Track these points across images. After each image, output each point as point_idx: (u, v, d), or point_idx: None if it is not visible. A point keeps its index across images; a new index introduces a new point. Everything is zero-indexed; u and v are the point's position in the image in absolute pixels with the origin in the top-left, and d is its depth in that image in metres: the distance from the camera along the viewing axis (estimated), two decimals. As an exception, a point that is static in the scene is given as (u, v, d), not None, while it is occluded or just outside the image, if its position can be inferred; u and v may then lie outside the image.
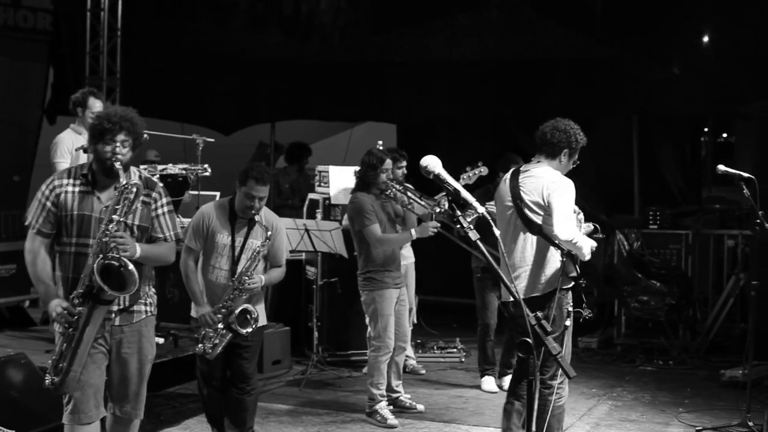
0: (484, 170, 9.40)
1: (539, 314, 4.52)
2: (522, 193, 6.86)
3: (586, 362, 10.97)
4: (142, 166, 9.66)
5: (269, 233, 7.17)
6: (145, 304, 5.91)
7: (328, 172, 10.93)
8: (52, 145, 8.79)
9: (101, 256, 5.43)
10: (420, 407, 9.03)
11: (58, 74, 13.84)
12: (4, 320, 10.56)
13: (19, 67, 13.30)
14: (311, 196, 11.47)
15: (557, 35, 13.58)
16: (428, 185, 7.81)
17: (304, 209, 11.52)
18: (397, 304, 8.67)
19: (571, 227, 6.72)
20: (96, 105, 8.61)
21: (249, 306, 7.11)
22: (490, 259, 4.55)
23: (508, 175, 7.12)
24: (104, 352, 5.73)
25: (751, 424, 8.19)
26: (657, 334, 11.36)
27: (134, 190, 5.58)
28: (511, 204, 6.92)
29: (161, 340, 8.88)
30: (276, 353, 10.45)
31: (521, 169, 7.06)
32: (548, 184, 6.78)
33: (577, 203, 6.93)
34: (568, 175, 6.98)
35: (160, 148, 12.36)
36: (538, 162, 7.00)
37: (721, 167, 8.35)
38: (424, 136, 14.97)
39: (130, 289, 5.53)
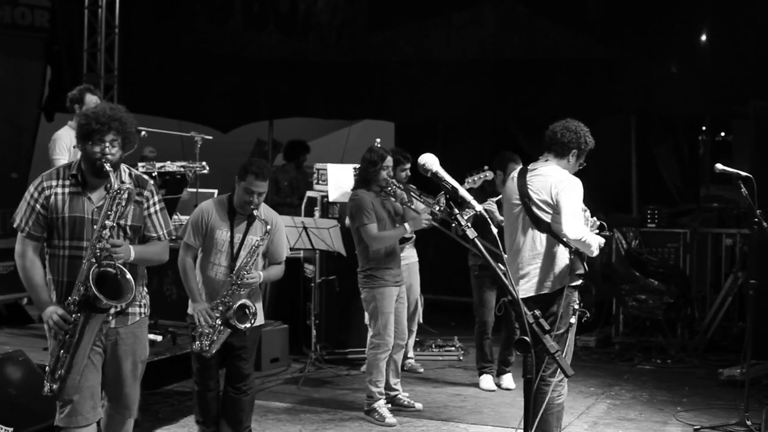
0: (489, 174, 9.40)
1: (537, 313, 4.50)
2: (530, 191, 6.93)
3: (584, 361, 10.96)
4: (139, 164, 9.66)
5: (268, 227, 7.14)
6: (140, 306, 5.86)
7: (326, 170, 10.92)
8: (51, 142, 8.78)
9: (96, 264, 5.38)
10: (418, 405, 9.03)
11: (56, 71, 13.85)
12: (2, 317, 10.55)
13: (16, 65, 13.31)
14: (309, 193, 11.46)
15: (555, 35, 13.60)
16: (428, 185, 7.85)
17: (302, 207, 11.51)
18: (397, 302, 8.66)
19: (580, 225, 6.79)
20: (93, 102, 8.57)
21: (247, 301, 7.08)
22: (488, 256, 4.55)
23: (515, 174, 7.19)
24: (100, 353, 5.70)
25: (749, 422, 8.19)
26: (655, 333, 11.37)
27: (126, 195, 5.55)
28: (518, 202, 6.99)
29: (159, 338, 8.87)
30: (274, 351, 10.44)
31: (529, 167, 7.12)
32: (556, 182, 6.85)
33: (584, 201, 6.98)
34: (577, 173, 7.06)
35: (158, 146, 12.36)
36: (546, 161, 7.06)
37: (719, 166, 8.34)
38: (422, 135, 15.00)
39: (126, 298, 5.50)
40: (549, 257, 6.89)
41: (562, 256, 6.88)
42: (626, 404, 9.38)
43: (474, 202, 4.75)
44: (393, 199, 8.65)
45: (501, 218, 8.34)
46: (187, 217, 7.69)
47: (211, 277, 7.23)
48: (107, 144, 5.52)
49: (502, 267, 4.57)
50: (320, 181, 11.06)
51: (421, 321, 10.50)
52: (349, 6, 15.07)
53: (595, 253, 6.85)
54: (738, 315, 11.58)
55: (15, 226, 5.69)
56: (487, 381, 9.83)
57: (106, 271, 5.41)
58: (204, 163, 9.60)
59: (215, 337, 7.08)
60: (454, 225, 4.70)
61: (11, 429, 6.92)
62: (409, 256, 9.83)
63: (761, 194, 8.30)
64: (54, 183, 5.63)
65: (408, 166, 9.36)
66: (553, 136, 7.02)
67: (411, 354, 10.52)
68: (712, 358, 11.08)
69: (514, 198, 7.04)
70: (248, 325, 7.08)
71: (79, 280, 5.45)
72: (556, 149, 7.02)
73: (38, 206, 5.60)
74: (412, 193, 8.78)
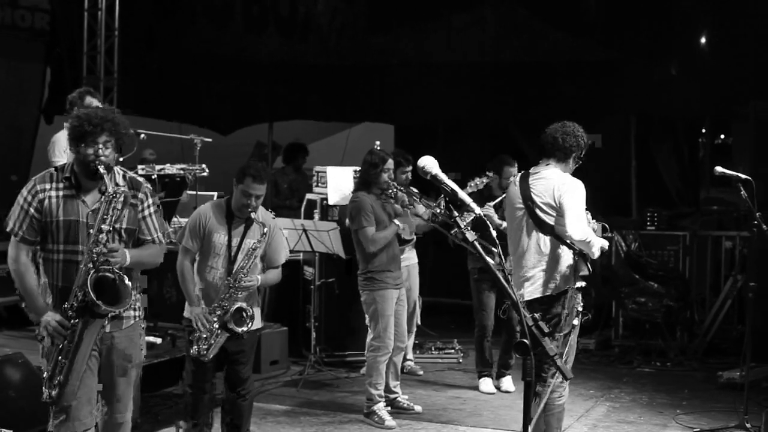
0: (493, 177, 9.43)
1: (537, 315, 4.50)
2: (533, 194, 6.98)
3: (583, 363, 10.95)
4: (139, 166, 9.67)
5: (265, 230, 7.10)
6: (134, 309, 5.80)
7: (325, 172, 10.91)
8: (50, 144, 8.78)
9: (94, 269, 5.34)
10: (418, 408, 9.02)
11: (56, 74, 13.86)
12: (2, 320, 10.54)
13: (16, 67, 13.32)
14: (309, 196, 11.45)
15: (554, 37, 13.61)
16: (428, 188, 7.86)
17: (302, 210, 11.50)
18: (397, 305, 8.65)
19: (584, 227, 6.86)
20: (92, 104, 8.56)
21: (244, 304, 7.04)
22: (488, 259, 4.55)
23: (517, 179, 7.25)
24: (96, 357, 5.64)
25: (748, 426, 8.18)
26: (655, 336, 11.36)
27: (122, 198, 5.50)
28: (522, 206, 7.04)
29: (159, 340, 8.87)
30: (273, 354, 10.44)
31: (530, 171, 7.16)
32: (559, 185, 6.91)
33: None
34: (577, 176, 7.10)
35: (157, 149, 12.37)
36: (548, 165, 7.10)
37: (719, 169, 8.34)
38: (421, 137, 14.98)
39: (124, 303, 5.47)
40: (553, 259, 6.94)
41: (566, 258, 6.94)
42: (626, 407, 9.37)
43: (474, 205, 4.75)
44: (393, 202, 8.65)
45: (499, 222, 8.35)
46: (186, 220, 7.67)
47: (210, 281, 7.20)
48: (100, 146, 5.46)
49: (502, 270, 4.57)
50: (320, 184, 11.06)
51: (419, 323, 10.50)
52: (349, 8, 15.08)
53: (597, 255, 6.91)
54: (737, 318, 11.57)
55: (8, 230, 5.61)
56: (486, 384, 9.83)
57: (104, 276, 5.38)
58: (204, 166, 9.61)
59: (213, 341, 7.03)
60: (454, 231, 4.70)
61: (11, 432, 6.92)
62: (409, 257, 9.83)
63: (761, 197, 8.30)
64: (47, 186, 5.58)
65: (409, 168, 9.36)
66: (554, 143, 7.04)
67: (410, 356, 10.52)
68: (712, 361, 11.07)
69: (517, 202, 7.09)
70: (245, 328, 7.05)
71: (76, 285, 5.40)
72: (559, 155, 7.06)
73: (32, 210, 5.54)
74: (413, 196, 8.78)
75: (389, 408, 8.76)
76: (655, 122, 13.97)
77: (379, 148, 8.79)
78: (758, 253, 9.15)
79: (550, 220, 6.92)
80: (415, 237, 9.73)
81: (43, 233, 5.57)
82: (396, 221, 8.54)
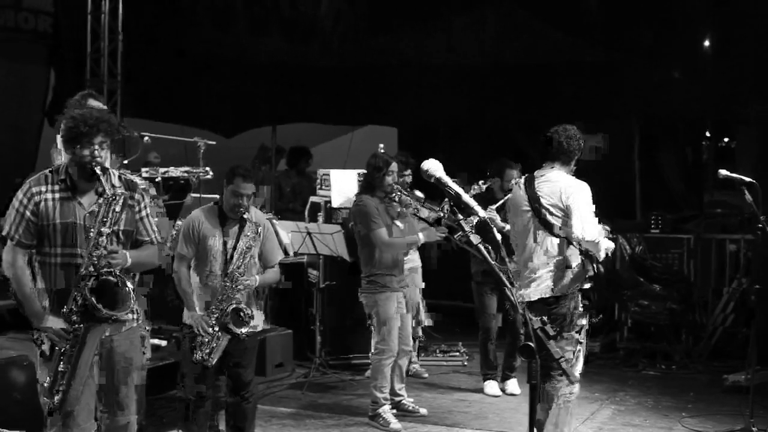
0: (495, 181, 9.45)
1: (544, 318, 4.50)
2: (540, 197, 7.07)
3: (588, 366, 10.85)
4: (143, 169, 9.66)
5: (259, 229, 7.07)
6: (133, 312, 5.70)
7: (329, 175, 10.91)
8: (53, 147, 8.76)
9: (95, 272, 5.30)
10: (423, 411, 9.02)
11: (59, 76, 13.84)
12: (6, 323, 10.53)
13: (20, 69, 13.30)
14: (313, 199, 11.43)
15: (556, 39, 13.61)
16: (429, 190, 7.84)
17: (306, 212, 11.48)
18: (401, 307, 8.64)
19: (593, 228, 6.95)
20: (95, 107, 8.53)
21: (240, 305, 7.00)
22: (492, 262, 4.54)
23: (521, 182, 7.33)
24: (97, 361, 5.59)
25: (754, 429, 8.17)
26: (660, 339, 11.34)
27: (121, 200, 5.44)
28: (528, 208, 7.13)
29: (164, 343, 8.88)
30: (278, 356, 10.43)
31: (535, 174, 7.24)
32: (565, 187, 7.02)
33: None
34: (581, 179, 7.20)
35: (161, 151, 12.35)
36: (552, 168, 7.19)
37: (723, 172, 8.34)
38: (424, 140, 14.97)
39: (125, 307, 5.42)
40: (560, 260, 7.04)
41: (573, 259, 7.03)
42: (631, 410, 9.36)
43: (478, 208, 4.77)
44: (396, 205, 8.63)
45: (502, 224, 8.36)
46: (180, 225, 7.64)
47: (209, 286, 7.15)
48: (96, 147, 5.39)
49: (506, 272, 4.57)
50: (323, 187, 11.05)
51: (425, 324, 10.47)
52: (351, 11, 15.08)
53: (603, 257, 7.03)
54: (742, 321, 11.53)
55: (3, 234, 5.53)
56: (491, 386, 9.82)
57: (105, 279, 5.33)
58: (207, 168, 9.61)
59: (214, 344, 6.99)
60: (458, 234, 4.70)
61: (16, 434, 6.92)
62: (412, 260, 9.81)
63: (765, 200, 8.28)
64: (43, 188, 5.49)
65: (408, 171, 9.36)
66: (559, 147, 7.14)
67: (415, 358, 10.50)
68: (717, 364, 11.03)
69: (524, 205, 7.17)
70: (245, 329, 7.01)
71: (75, 289, 5.35)
72: (563, 158, 7.18)
73: (28, 213, 5.46)
74: (417, 200, 8.76)
75: (394, 411, 8.75)
76: (659, 125, 13.96)
77: (382, 151, 8.78)
78: (762, 256, 9.13)
79: (558, 222, 7.01)
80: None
81: (40, 237, 5.49)
82: (420, 234, 8.52)
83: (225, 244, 7.12)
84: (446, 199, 8.19)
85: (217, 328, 6.97)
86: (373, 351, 8.67)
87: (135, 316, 5.77)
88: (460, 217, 4.76)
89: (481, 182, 9.33)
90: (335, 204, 10.77)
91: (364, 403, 9.05)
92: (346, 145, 15.99)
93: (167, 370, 8.67)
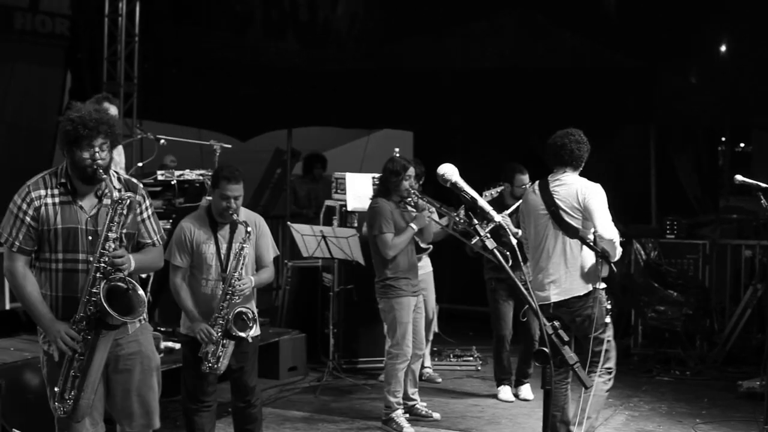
0: (507, 187, 9.45)
1: (556, 323, 4.50)
2: (557, 200, 7.25)
3: (602, 371, 10.90)
4: (158, 172, 9.68)
5: (249, 229, 6.95)
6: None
7: (344, 178, 10.91)
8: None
9: (105, 279, 5.19)
10: (436, 415, 9.01)
11: (76, 79, 13.90)
12: (21, 324, 10.56)
13: (36, 72, 13.35)
14: (328, 202, 11.42)
15: (574, 44, 13.58)
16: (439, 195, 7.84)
17: (321, 216, 11.47)
18: (415, 312, 8.64)
19: (613, 227, 7.11)
20: (110, 110, 8.50)
21: (243, 308, 6.94)
22: (507, 266, 4.54)
23: (536, 187, 7.48)
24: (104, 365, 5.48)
25: (769, 435, 8.16)
26: (674, 345, 11.31)
27: (128, 203, 5.32)
28: (545, 212, 7.30)
29: (178, 346, 8.87)
30: (292, 360, 10.45)
31: (549, 179, 7.40)
32: (581, 189, 7.21)
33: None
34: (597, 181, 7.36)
35: (177, 154, 12.39)
36: (564, 172, 7.35)
37: (739, 177, 8.33)
38: (440, 144, 14.96)
39: (138, 312, 5.32)
40: (579, 261, 7.23)
41: (590, 260, 7.21)
42: (645, 416, 9.33)
43: (494, 213, 4.77)
44: (412, 209, 8.61)
45: (516, 229, 8.37)
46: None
47: (206, 293, 7.07)
48: (96, 149, 5.25)
49: (522, 277, 4.58)
50: (339, 190, 11.05)
51: (436, 330, 10.48)
52: (368, 15, 15.08)
53: (618, 257, 7.16)
54: (757, 327, 11.50)
55: (2, 240, 5.36)
56: (505, 392, 9.80)
57: (116, 285, 5.24)
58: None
59: (220, 352, 6.92)
60: (474, 240, 4.70)
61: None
62: (424, 265, 9.80)
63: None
64: (43, 193, 5.34)
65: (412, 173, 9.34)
66: (571, 153, 7.31)
67: (428, 363, 10.50)
68: (731, 370, 10.99)
69: (540, 209, 7.34)
70: (251, 332, 6.95)
71: (84, 296, 5.24)
72: (575, 164, 7.35)
73: (28, 219, 5.31)
74: (433, 204, 8.74)
75: (408, 415, 8.75)
76: (675, 130, 13.93)
77: (398, 155, 8.78)
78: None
79: (576, 223, 7.19)
80: (431, 246, 9.72)
81: (39, 242, 5.36)
82: (411, 224, 8.50)
83: (218, 249, 7.05)
84: (462, 205, 8.20)
85: (221, 335, 6.88)
86: (386, 355, 8.67)
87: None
88: (476, 222, 4.75)
89: (492, 189, 9.32)
90: (350, 207, 10.77)
91: (377, 407, 9.05)
92: (361, 149, 16.01)
93: (180, 373, 8.67)
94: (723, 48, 12.99)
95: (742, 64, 12.62)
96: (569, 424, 7.47)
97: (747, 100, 12.45)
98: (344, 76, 14.99)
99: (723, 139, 14.75)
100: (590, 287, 7.20)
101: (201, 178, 9.73)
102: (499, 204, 9.36)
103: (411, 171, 8.53)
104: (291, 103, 15.22)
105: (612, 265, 7.17)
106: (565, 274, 7.23)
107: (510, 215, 9.16)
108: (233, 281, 6.91)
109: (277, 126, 15.80)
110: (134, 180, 5.71)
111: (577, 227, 7.18)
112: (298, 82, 15.12)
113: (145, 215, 5.64)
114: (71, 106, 5.57)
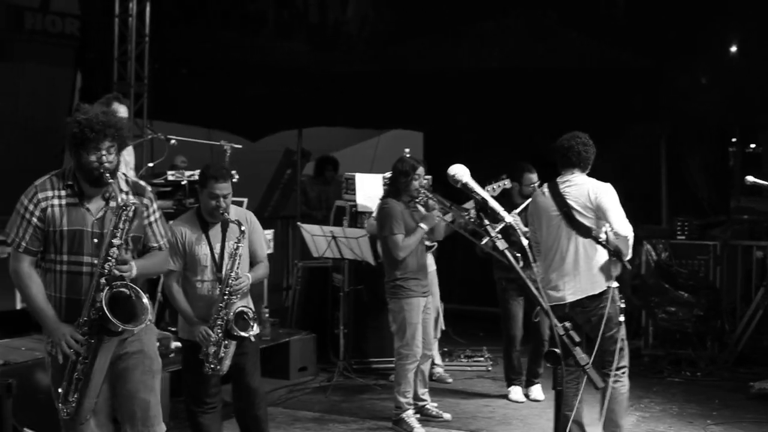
0: (508, 183, 9.43)
1: (567, 324, 4.49)
2: (569, 200, 7.31)
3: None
4: (169, 172, 9.68)
5: (242, 227, 6.88)
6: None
7: (354, 179, 10.90)
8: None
9: (108, 285, 5.16)
10: (446, 416, 9.00)
11: (86, 79, 13.92)
12: (32, 323, 10.56)
13: (47, 72, 13.38)
14: (338, 203, 11.42)
15: (583, 44, 13.58)
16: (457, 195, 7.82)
17: (331, 217, 11.46)
18: (424, 312, 8.63)
19: (628, 224, 7.15)
20: (120, 110, 8.51)
21: (243, 307, 6.87)
22: (518, 267, 4.54)
23: (545, 189, 7.55)
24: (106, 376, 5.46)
25: (780, 436, 8.14)
26: (685, 346, 11.29)
27: (133, 209, 5.27)
28: (557, 213, 7.36)
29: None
30: (302, 360, 10.45)
31: (558, 180, 7.46)
32: (593, 188, 7.28)
33: None
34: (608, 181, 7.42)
35: (187, 154, 12.39)
36: (573, 174, 7.42)
37: (750, 178, 8.34)
38: (450, 145, 14.95)
39: (141, 320, 5.27)
40: (593, 261, 7.28)
41: (603, 259, 7.26)
42: (656, 417, 9.31)
43: (504, 213, 4.75)
44: (421, 209, 8.60)
45: (525, 229, 8.36)
46: None
47: (202, 295, 6.99)
48: (103, 152, 5.24)
49: (532, 277, 4.58)
50: (349, 191, 11.04)
51: (443, 327, 10.45)
52: (378, 16, 15.08)
53: (629, 256, 7.23)
54: (768, 328, 11.48)
55: (9, 241, 5.36)
56: (516, 392, 9.79)
57: (119, 292, 5.21)
58: (233, 172, 9.60)
59: (222, 354, 6.84)
60: (485, 240, 4.70)
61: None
62: (429, 264, 9.78)
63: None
64: (50, 194, 5.35)
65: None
66: (579, 155, 7.39)
67: (438, 361, 10.49)
68: (742, 371, 10.96)
69: (552, 210, 7.40)
70: (252, 331, 6.87)
71: (87, 301, 5.23)
72: (583, 165, 7.43)
73: (35, 219, 5.31)
74: (443, 204, 8.74)
75: (418, 415, 8.74)
76: (685, 130, 13.90)
77: (408, 155, 8.77)
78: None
79: (589, 223, 7.25)
80: (436, 244, 9.69)
81: (45, 243, 5.36)
82: (421, 224, 8.48)
83: (212, 249, 6.98)
84: (473, 205, 8.19)
85: (221, 335, 6.80)
86: (396, 356, 8.66)
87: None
88: (487, 222, 4.75)
89: (494, 183, 9.30)
90: (360, 208, 10.77)
91: (387, 407, 9.04)
92: (372, 149, 16.00)
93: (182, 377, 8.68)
94: (733, 48, 12.97)
95: (749, 62, 12.61)
96: (582, 424, 7.48)
97: (754, 99, 12.44)
98: (354, 77, 15.00)
99: (733, 139, 14.72)
100: (604, 286, 7.23)
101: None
102: (508, 203, 9.35)
103: (421, 171, 8.53)
104: (301, 103, 15.23)
105: (625, 263, 7.22)
106: (579, 274, 7.27)
107: (519, 214, 9.16)
108: (230, 281, 6.84)
109: (288, 126, 15.82)
110: (142, 183, 5.69)
111: (589, 227, 7.23)
112: (308, 82, 15.14)
113: (151, 219, 5.62)
114: (79, 107, 5.56)
